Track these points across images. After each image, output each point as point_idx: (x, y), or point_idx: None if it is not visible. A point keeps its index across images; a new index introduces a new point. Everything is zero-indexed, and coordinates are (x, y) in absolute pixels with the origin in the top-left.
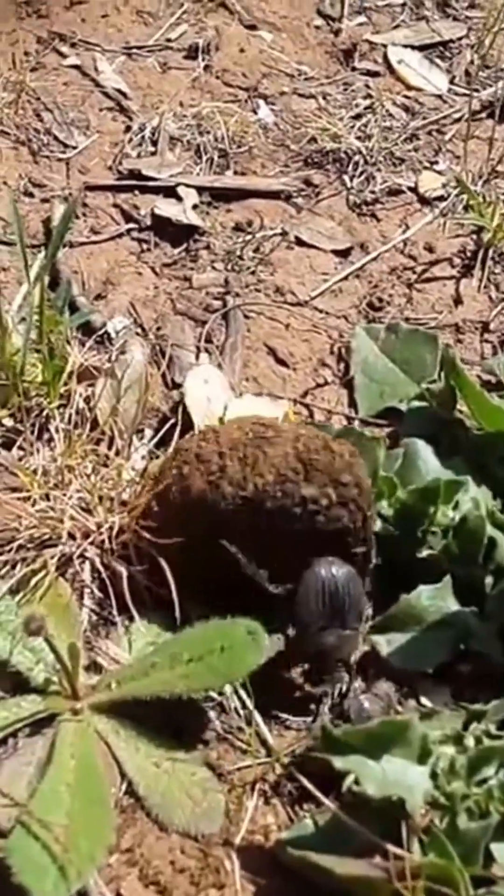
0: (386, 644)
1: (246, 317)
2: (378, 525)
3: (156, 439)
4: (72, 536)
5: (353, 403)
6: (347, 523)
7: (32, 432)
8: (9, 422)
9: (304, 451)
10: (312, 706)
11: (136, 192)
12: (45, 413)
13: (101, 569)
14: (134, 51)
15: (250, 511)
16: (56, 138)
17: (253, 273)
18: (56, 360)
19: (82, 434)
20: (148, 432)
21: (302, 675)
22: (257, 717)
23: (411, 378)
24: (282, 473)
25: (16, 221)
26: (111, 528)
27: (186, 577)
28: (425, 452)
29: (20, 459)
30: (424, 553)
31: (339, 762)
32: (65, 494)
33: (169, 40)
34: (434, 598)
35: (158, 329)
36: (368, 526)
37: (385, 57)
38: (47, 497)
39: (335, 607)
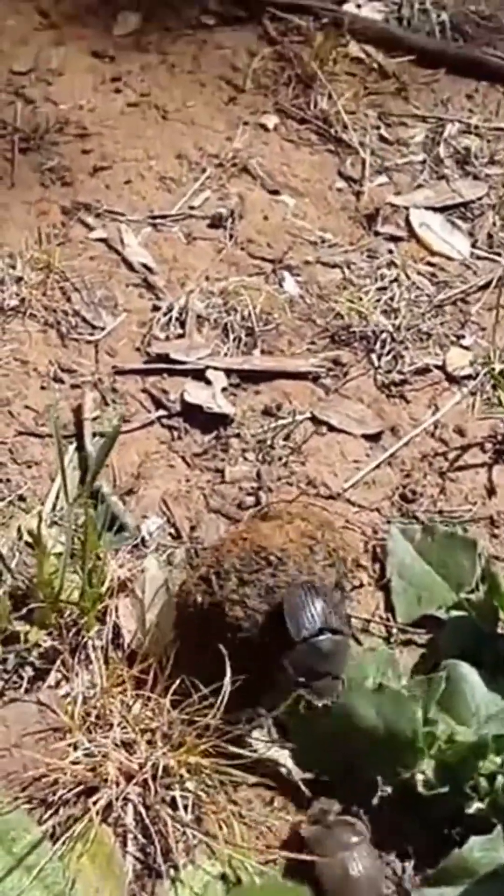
0: None
1: None
2: (419, 780)
3: None
4: (115, 782)
5: (389, 607)
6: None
7: (71, 653)
8: (45, 640)
9: None
10: None
11: (165, 374)
12: (81, 632)
13: (143, 811)
14: (158, 220)
15: None
16: (84, 319)
17: (285, 465)
18: (94, 583)
19: (122, 661)
20: None
21: None
22: None
23: (449, 584)
24: None
25: (52, 420)
26: (154, 767)
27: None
28: (471, 677)
29: (57, 684)
30: (473, 808)
31: None
32: (108, 730)
33: (192, 207)
34: (486, 850)
35: (192, 529)
36: None
37: (407, 220)
38: (89, 737)
39: (320, 609)
